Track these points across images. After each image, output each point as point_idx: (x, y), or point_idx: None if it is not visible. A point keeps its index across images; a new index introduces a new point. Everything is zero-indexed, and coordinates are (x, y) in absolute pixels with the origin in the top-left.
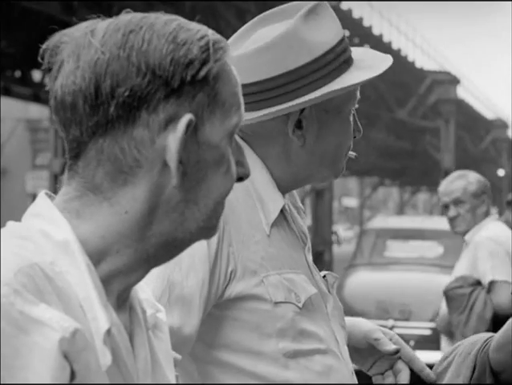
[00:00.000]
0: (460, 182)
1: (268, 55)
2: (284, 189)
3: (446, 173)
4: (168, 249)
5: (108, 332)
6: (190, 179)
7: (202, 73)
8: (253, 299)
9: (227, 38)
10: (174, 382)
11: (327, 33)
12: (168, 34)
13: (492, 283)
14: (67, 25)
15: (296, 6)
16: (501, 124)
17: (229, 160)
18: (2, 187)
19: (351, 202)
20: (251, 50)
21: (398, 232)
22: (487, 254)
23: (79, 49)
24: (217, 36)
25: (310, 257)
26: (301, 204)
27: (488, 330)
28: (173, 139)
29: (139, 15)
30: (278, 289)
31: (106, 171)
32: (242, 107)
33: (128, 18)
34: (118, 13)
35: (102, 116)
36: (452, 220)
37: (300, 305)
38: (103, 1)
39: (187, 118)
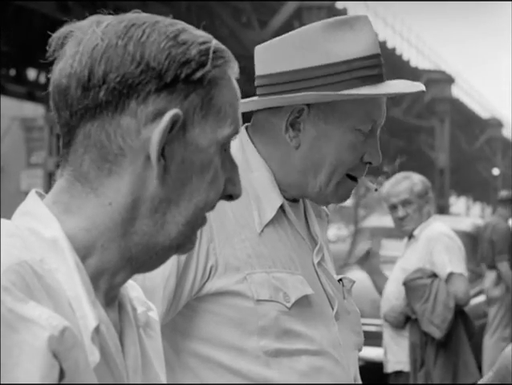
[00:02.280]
0: (405, 183)
1: (279, 51)
2: (289, 194)
3: (441, 172)
4: (151, 255)
5: (97, 330)
6: (173, 178)
7: (198, 74)
8: (235, 295)
9: (223, 37)
10: (165, 381)
11: (350, 45)
12: (169, 32)
13: (450, 275)
14: (61, 24)
15: (358, 18)
16: (496, 123)
17: (216, 169)
18: None
19: (346, 201)
20: (267, 43)
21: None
22: (444, 248)
23: (82, 37)
24: (222, 47)
25: (317, 258)
26: (325, 208)
27: (453, 318)
28: (156, 131)
29: (145, 15)
30: (263, 287)
31: (92, 158)
32: (239, 122)
33: (134, 15)
34: (113, 11)
35: (91, 100)
36: (400, 220)
37: (288, 305)
38: (98, 0)
39: (173, 112)
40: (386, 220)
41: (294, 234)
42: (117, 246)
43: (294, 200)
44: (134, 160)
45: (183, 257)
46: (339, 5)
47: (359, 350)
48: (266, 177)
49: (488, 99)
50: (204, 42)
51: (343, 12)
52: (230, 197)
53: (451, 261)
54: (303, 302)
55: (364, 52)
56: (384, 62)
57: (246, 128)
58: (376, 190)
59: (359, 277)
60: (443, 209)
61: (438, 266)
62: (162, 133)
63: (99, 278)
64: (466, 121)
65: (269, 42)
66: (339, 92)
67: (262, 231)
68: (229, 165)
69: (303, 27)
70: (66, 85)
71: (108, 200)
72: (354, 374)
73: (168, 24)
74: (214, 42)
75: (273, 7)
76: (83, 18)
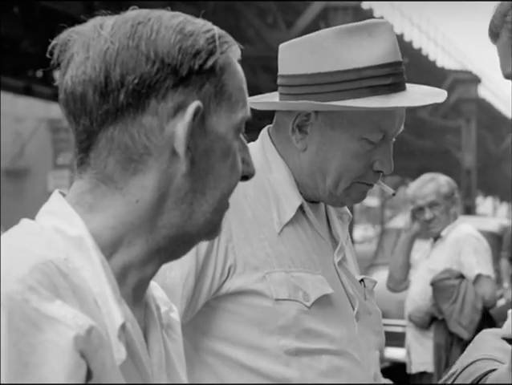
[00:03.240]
0: (432, 185)
1: (291, 53)
2: (305, 195)
3: (468, 172)
4: (179, 244)
5: (123, 327)
6: (198, 168)
7: (209, 63)
8: (254, 295)
9: (249, 37)
10: (187, 382)
11: (364, 53)
12: (175, 26)
13: (478, 277)
14: None
15: (380, 24)
16: None
17: (235, 154)
18: (25, 186)
19: (373, 202)
20: (285, 44)
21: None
22: (472, 250)
23: (89, 41)
24: (223, 31)
25: (338, 258)
26: (347, 210)
27: (480, 320)
28: (181, 126)
29: (145, 10)
30: (282, 286)
31: (117, 160)
32: (248, 104)
33: (135, 12)
34: None
35: (112, 104)
36: (427, 222)
37: (308, 304)
38: (123, 0)
39: (195, 104)
40: None
41: (314, 234)
42: (145, 241)
43: (314, 202)
44: (159, 156)
45: (202, 256)
46: (364, 5)
47: (380, 350)
48: (285, 177)
49: None
50: (208, 30)
51: (369, 12)
52: (245, 178)
53: (479, 262)
54: (323, 302)
55: (378, 60)
56: (404, 70)
57: (268, 129)
58: (394, 194)
59: (385, 277)
60: (470, 210)
61: (466, 267)
62: (188, 126)
63: (127, 274)
64: (493, 121)
65: (292, 41)
66: (337, 103)
67: (282, 231)
68: (242, 146)
69: (321, 31)
70: (82, 92)
71: (135, 198)
72: (374, 374)
73: (171, 17)
74: (216, 28)
75: (299, 7)
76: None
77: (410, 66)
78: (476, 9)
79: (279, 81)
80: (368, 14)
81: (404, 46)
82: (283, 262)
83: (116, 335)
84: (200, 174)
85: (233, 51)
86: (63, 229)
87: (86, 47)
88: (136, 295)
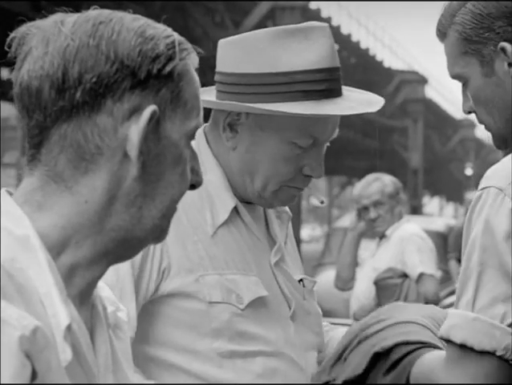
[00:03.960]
0: (376, 185)
1: (229, 52)
2: (238, 196)
3: (414, 172)
4: (126, 247)
5: (69, 328)
6: (149, 172)
7: (168, 68)
8: (188, 297)
9: (196, 37)
10: (134, 382)
11: (298, 56)
12: (136, 28)
13: (421, 275)
14: None
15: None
16: (469, 124)
17: (186, 161)
18: None
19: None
20: (224, 41)
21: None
22: (416, 249)
23: (49, 36)
24: (182, 38)
25: (275, 259)
26: (286, 209)
27: None
28: (136, 129)
29: (107, 11)
30: (216, 289)
31: (68, 158)
32: (202, 112)
33: (96, 12)
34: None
35: (67, 101)
36: (372, 222)
37: (241, 306)
38: (71, 0)
39: (151, 108)
40: None
41: (249, 235)
42: (92, 242)
43: (249, 202)
44: (111, 157)
45: (139, 258)
46: (312, 5)
47: (320, 351)
48: (219, 179)
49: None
50: (168, 36)
51: (317, 12)
52: (193, 186)
53: (422, 261)
54: (258, 304)
55: (313, 65)
56: (340, 76)
57: (204, 128)
58: (323, 203)
59: (332, 276)
60: (416, 209)
61: (409, 266)
62: (142, 131)
63: (74, 274)
64: (439, 122)
65: (231, 38)
66: (267, 106)
67: (215, 233)
68: (191, 155)
69: (259, 31)
70: (38, 87)
71: (84, 198)
72: (312, 374)
73: (133, 19)
74: (176, 34)
75: (246, 7)
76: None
77: (357, 66)
78: (423, 9)
79: (216, 77)
80: (316, 15)
81: (352, 46)
82: (217, 265)
83: (62, 336)
84: (150, 179)
85: (192, 59)
86: (10, 229)
87: (45, 42)
88: (82, 296)
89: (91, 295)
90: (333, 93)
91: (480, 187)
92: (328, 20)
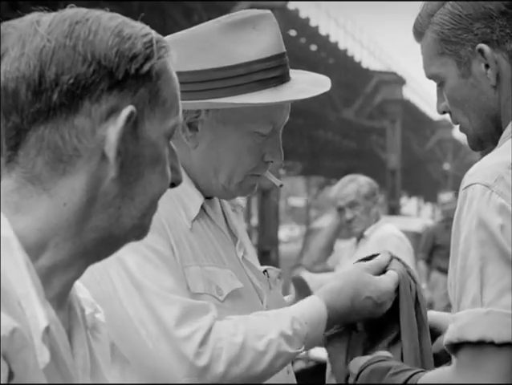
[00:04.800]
0: (352, 186)
1: (180, 50)
2: (201, 192)
3: (392, 173)
4: (105, 247)
5: (47, 330)
6: (127, 173)
7: (146, 68)
8: None
9: None
10: (111, 382)
11: (250, 47)
12: (113, 28)
13: None
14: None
15: (261, 15)
16: (447, 125)
17: (165, 160)
18: None
19: (298, 202)
20: (172, 38)
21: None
22: (393, 248)
23: (25, 37)
24: (160, 36)
25: (241, 253)
26: (240, 201)
27: None
28: (113, 130)
29: (84, 10)
30: (199, 280)
31: (46, 160)
32: (180, 111)
33: (73, 11)
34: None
35: (44, 103)
36: (349, 223)
37: (221, 298)
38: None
39: (128, 109)
40: None
41: (216, 230)
42: (71, 244)
43: (209, 197)
44: (89, 159)
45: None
46: (290, 5)
47: None
48: (183, 178)
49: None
50: (145, 34)
51: (295, 13)
52: (173, 185)
53: None
54: (235, 295)
55: (265, 53)
56: (288, 61)
57: None
58: (281, 186)
59: (311, 276)
60: (394, 210)
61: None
62: (120, 131)
63: (52, 276)
64: (417, 122)
65: (176, 37)
66: (232, 99)
67: (191, 227)
68: (170, 153)
69: (204, 25)
70: (14, 89)
71: (63, 201)
72: (287, 366)
73: (109, 18)
74: (153, 33)
75: (224, 7)
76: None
77: (335, 66)
78: (402, 9)
79: None
80: (294, 15)
81: (330, 47)
82: (197, 257)
83: (40, 338)
84: (129, 179)
85: (170, 56)
86: None
87: (21, 43)
88: (60, 298)
89: (68, 296)
90: (285, 78)
91: (463, 185)
92: (307, 21)
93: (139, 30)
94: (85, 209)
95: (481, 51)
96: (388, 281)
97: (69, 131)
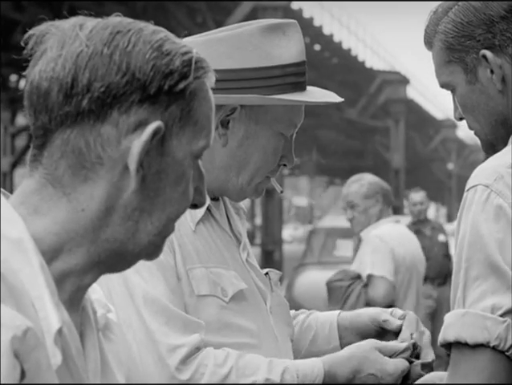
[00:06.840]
0: (354, 186)
1: (217, 49)
2: (209, 192)
3: (396, 173)
4: (118, 260)
5: (59, 331)
6: (148, 187)
7: (180, 86)
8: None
9: (178, 36)
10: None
11: (284, 50)
12: (154, 42)
13: (369, 277)
14: (17, 23)
15: (288, 24)
16: (451, 124)
17: (188, 180)
18: None
19: (302, 201)
20: (202, 40)
21: (347, 231)
22: (370, 250)
23: (65, 39)
24: (202, 57)
25: (244, 255)
26: (242, 205)
27: None
28: (137, 143)
29: (128, 20)
30: (203, 282)
31: (68, 164)
32: (212, 133)
33: (117, 19)
34: (68, 11)
35: (74, 107)
36: (350, 222)
37: (226, 299)
38: (54, 0)
39: (155, 124)
40: (341, 221)
41: (221, 232)
42: (86, 251)
43: (214, 199)
44: (111, 168)
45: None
46: (294, 5)
47: (292, 340)
48: None
49: (442, 99)
50: (186, 53)
51: (299, 12)
52: (195, 206)
53: (373, 262)
54: (239, 296)
55: (296, 58)
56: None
57: None
58: (282, 192)
59: (314, 276)
60: (398, 210)
61: (361, 268)
62: (143, 145)
63: (65, 280)
64: (421, 122)
65: (205, 34)
66: (273, 96)
67: (195, 229)
68: (197, 175)
69: (243, 27)
70: (47, 88)
71: (81, 207)
72: None
73: (152, 32)
74: (195, 52)
75: (228, 7)
76: (38, 17)
77: (339, 66)
78: (405, 9)
79: None
80: (298, 15)
81: (334, 46)
82: (202, 258)
83: (53, 340)
84: (149, 194)
85: (208, 78)
86: (3, 231)
87: (61, 45)
88: (72, 301)
89: (82, 300)
90: (306, 84)
91: (467, 186)
92: (310, 21)
93: (180, 47)
94: (103, 218)
95: (484, 57)
96: (397, 367)
97: (94, 138)
